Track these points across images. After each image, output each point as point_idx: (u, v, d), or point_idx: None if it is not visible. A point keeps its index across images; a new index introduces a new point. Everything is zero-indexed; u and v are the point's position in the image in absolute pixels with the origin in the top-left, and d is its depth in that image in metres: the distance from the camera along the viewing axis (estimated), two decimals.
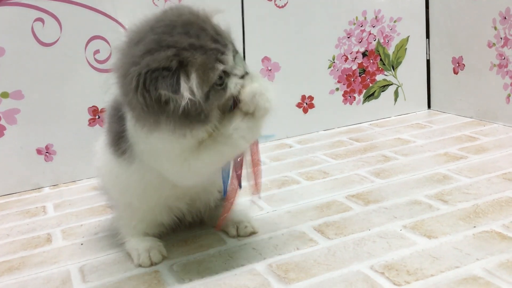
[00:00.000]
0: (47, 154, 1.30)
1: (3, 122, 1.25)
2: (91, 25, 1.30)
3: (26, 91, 1.26)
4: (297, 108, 1.57)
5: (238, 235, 0.93)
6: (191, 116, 0.70)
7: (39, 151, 1.30)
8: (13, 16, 1.22)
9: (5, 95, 1.25)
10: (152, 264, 0.85)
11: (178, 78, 0.67)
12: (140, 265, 0.85)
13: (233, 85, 0.73)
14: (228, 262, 0.85)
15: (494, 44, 1.47)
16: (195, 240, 0.93)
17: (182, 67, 0.68)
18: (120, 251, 0.91)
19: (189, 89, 0.67)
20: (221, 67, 0.71)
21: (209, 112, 0.71)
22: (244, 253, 0.87)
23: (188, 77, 0.68)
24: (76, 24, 1.28)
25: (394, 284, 0.74)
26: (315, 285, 0.76)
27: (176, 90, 0.67)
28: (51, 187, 1.30)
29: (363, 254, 0.84)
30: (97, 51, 1.31)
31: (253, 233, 0.93)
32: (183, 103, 0.67)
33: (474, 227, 0.89)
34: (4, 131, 1.26)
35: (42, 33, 1.25)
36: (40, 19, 1.25)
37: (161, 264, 0.86)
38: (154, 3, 1.34)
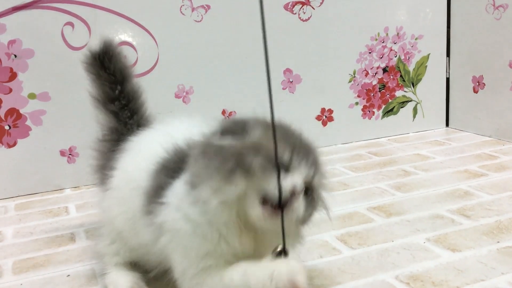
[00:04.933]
0: (70, 156, 1.32)
1: (28, 123, 1.27)
2: (120, 31, 1.32)
3: (53, 93, 1.28)
4: (316, 120, 1.58)
5: None
6: None
7: (62, 153, 1.31)
8: (44, 19, 1.25)
9: (32, 96, 1.27)
10: None
11: None
12: None
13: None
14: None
15: None
16: None
17: None
18: None
19: None
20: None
21: None
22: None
23: None
24: (105, 30, 1.30)
25: None
26: None
27: None
28: (72, 188, 1.32)
29: (388, 265, 0.84)
30: (124, 57, 1.33)
31: None
32: None
33: (498, 242, 0.89)
34: (30, 132, 1.28)
35: (72, 37, 1.28)
36: (70, 23, 1.27)
37: None
38: (181, 12, 1.36)
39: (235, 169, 0.60)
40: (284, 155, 0.62)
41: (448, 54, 1.69)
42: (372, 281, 0.79)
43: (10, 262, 0.92)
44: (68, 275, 0.86)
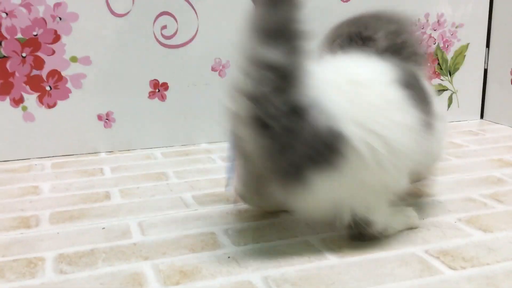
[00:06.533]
0: (106, 120, 1.35)
1: (69, 85, 1.30)
2: (162, 0, 1.34)
3: (94, 58, 1.31)
4: None
5: None
6: None
7: (99, 117, 1.34)
8: None
9: (74, 59, 1.30)
10: None
11: None
12: None
13: None
14: (282, 232, 0.87)
15: None
16: (247, 211, 0.95)
17: None
18: (178, 213, 0.94)
19: None
20: None
21: None
22: (297, 227, 0.89)
23: None
24: None
25: (450, 268, 0.75)
26: (370, 261, 0.77)
27: None
28: (107, 152, 1.35)
29: (417, 240, 0.84)
30: (164, 27, 1.35)
31: None
32: None
33: None
34: (69, 94, 1.31)
35: (116, 4, 1.30)
36: None
37: (216, 227, 0.88)
38: None
39: None
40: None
41: (487, 45, 1.66)
42: (402, 254, 0.79)
43: (47, 213, 0.95)
44: (103, 228, 0.89)
